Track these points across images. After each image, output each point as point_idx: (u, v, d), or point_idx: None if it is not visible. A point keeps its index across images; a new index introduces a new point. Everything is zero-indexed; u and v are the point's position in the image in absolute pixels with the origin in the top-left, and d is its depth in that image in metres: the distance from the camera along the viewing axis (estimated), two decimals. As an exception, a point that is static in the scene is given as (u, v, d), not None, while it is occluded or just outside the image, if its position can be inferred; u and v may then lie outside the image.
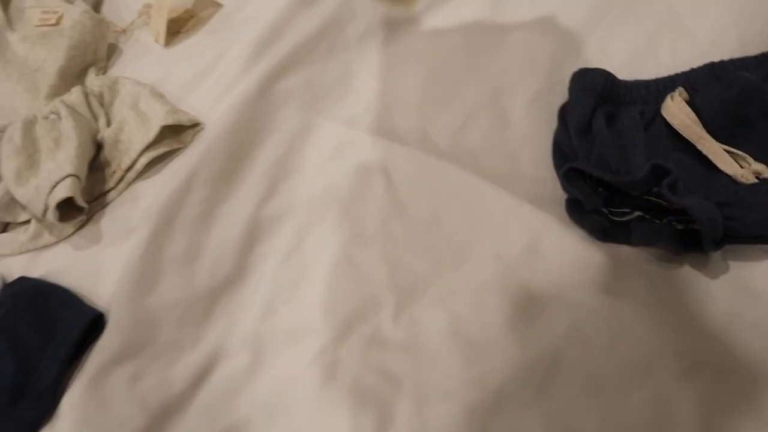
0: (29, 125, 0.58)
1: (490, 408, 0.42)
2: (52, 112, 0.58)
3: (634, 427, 0.41)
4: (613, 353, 0.43)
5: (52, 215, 0.51)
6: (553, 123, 0.53)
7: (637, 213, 0.46)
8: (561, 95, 0.53)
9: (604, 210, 0.47)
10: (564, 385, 0.42)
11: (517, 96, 0.55)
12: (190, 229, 0.52)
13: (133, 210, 0.55)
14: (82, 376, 0.46)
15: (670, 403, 0.41)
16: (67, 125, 0.55)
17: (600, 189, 0.47)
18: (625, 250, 0.47)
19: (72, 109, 0.57)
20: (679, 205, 0.42)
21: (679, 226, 0.45)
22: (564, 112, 0.52)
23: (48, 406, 0.45)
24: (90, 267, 0.52)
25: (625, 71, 0.52)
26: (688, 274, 0.45)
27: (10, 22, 0.66)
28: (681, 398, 0.41)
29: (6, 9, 0.66)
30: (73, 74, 0.62)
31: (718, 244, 0.43)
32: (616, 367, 0.42)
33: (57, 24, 0.64)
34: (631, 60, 0.54)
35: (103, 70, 0.64)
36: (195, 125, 0.57)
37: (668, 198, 0.43)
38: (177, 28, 0.66)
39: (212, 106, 0.59)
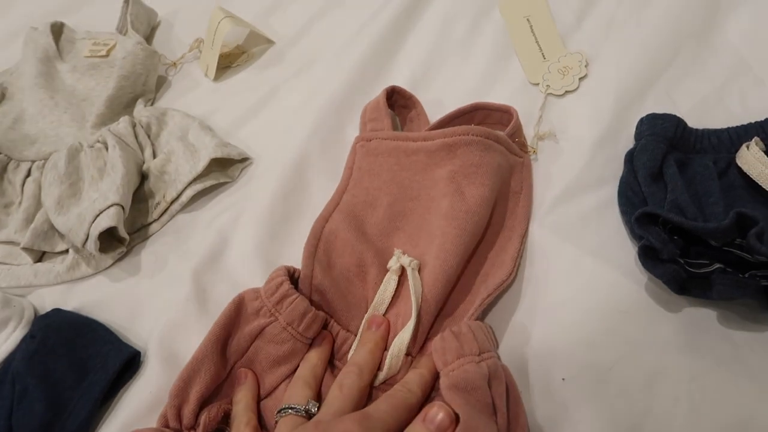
0: (74, 153, 0.57)
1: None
2: (99, 141, 0.57)
3: None
4: (696, 428, 0.39)
5: (93, 245, 0.49)
6: (616, 169, 0.50)
7: (717, 265, 0.43)
8: (625, 142, 0.52)
9: (680, 260, 0.44)
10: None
11: (581, 141, 0.53)
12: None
13: (175, 244, 0.52)
14: (115, 421, 0.43)
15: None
16: (114, 155, 0.54)
17: (675, 237, 0.44)
18: (702, 309, 0.43)
19: (119, 139, 0.56)
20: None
21: (765, 282, 0.42)
22: (631, 157, 0.50)
23: (76, 450, 0.42)
24: (127, 301, 0.49)
25: (693, 120, 0.50)
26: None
27: (60, 53, 0.66)
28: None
29: (57, 40, 0.66)
30: (121, 104, 0.62)
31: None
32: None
33: (107, 56, 0.64)
34: (700, 109, 0.52)
35: (152, 101, 0.63)
36: (244, 159, 0.56)
37: (756, 249, 0.39)
38: (227, 63, 0.65)
39: (261, 142, 0.57)
